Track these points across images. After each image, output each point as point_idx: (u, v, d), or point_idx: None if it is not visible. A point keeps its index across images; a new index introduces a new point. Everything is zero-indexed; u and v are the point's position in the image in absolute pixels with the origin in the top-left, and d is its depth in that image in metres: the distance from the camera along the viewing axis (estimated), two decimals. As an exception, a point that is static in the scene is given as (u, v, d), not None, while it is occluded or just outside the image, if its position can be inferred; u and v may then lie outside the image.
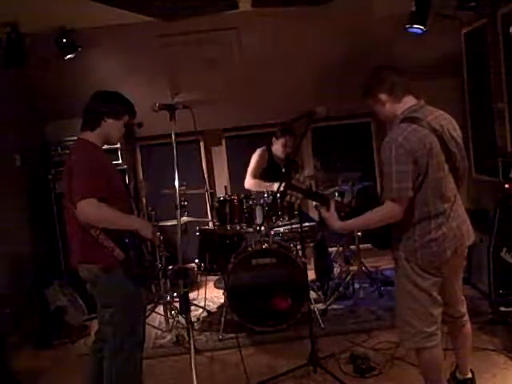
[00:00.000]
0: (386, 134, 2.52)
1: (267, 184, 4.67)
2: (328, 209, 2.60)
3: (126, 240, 2.65)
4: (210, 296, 4.94)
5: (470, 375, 2.85)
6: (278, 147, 4.88)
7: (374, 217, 2.47)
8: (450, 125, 2.54)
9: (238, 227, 4.31)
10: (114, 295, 2.70)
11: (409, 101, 2.55)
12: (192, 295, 4.97)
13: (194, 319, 4.40)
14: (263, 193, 4.36)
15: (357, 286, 4.75)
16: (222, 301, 4.67)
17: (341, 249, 5.26)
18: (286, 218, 4.27)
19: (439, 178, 2.44)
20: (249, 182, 4.89)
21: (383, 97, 2.55)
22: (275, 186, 4.57)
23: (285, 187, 2.73)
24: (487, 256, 3.92)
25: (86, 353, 3.34)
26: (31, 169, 5.01)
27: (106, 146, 2.87)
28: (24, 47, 4.35)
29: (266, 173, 4.91)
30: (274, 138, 4.92)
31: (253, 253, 4.12)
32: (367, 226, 2.56)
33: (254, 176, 4.91)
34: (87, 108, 2.80)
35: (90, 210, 2.53)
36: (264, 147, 4.99)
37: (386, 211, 2.43)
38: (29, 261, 4.79)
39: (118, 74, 4.90)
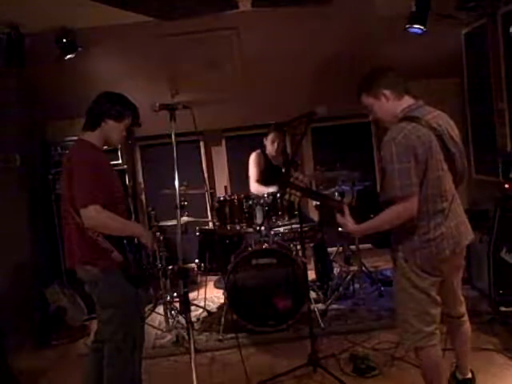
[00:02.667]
0: (385, 134, 2.51)
1: (269, 189, 4.69)
2: (342, 214, 2.57)
3: (125, 242, 2.65)
4: (210, 296, 4.94)
5: (469, 375, 2.85)
6: (268, 146, 4.92)
7: (388, 217, 2.43)
8: (449, 124, 2.55)
9: (237, 227, 4.31)
10: (113, 296, 2.70)
11: (407, 100, 2.56)
12: (192, 295, 4.97)
13: (194, 319, 4.40)
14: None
15: (357, 286, 4.75)
16: (222, 301, 4.68)
17: (341, 249, 5.26)
18: (286, 218, 4.27)
19: (438, 177, 2.44)
20: (253, 188, 4.91)
21: (388, 93, 2.53)
22: (273, 189, 4.61)
23: (284, 185, 2.72)
24: (487, 256, 3.92)
25: (86, 353, 3.34)
26: (31, 169, 5.01)
27: (105, 147, 2.87)
28: (24, 47, 4.35)
29: (265, 175, 4.94)
30: (264, 139, 4.96)
31: (253, 253, 4.12)
32: (382, 227, 2.49)
33: (257, 180, 4.93)
34: (90, 108, 2.79)
35: (94, 216, 2.54)
36: (258, 150, 5.02)
37: (398, 210, 2.40)
38: (29, 261, 4.79)
39: (118, 73, 4.91)
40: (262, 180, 4.91)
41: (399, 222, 2.44)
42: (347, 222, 2.56)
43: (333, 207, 2.65)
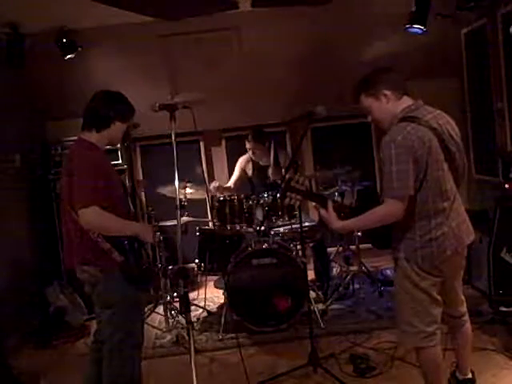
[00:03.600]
0: (384, 134, 2.51)
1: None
2: (326, 209, 2.59)
3: (125, 242, 2.65)
4: (210, 296, 4.93)
5: (470, 375, 2.85)
6: (249, 153, 4.99)
7: (374, 216, 2.45)
8: (449, 124, 2.55)
9: (237, 227, 4.31)
10: (113, 296, 2.70)
11: (407, 100, 2.56)
12: (192, 295, 4.96)
13: (194, 319, 4.39)
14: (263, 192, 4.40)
15: (357, 285, 4.75)
16: (222, 301, 4.68)
17: (341, 249, 5.26)
18: (286, 218, 4.28)
19: (438, 177, 2.44)
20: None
21: (388, 93, 2.53)
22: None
23: (284, 189, 2.71)
24: (487, 256, 3.92)
25: (86, 353, 3.34)
26: (31, 169, 5.01)
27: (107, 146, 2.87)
28: (24, 47, 4.35)
29: (256, 179, 4.99)
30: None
31: (253, 253, 4.12)
32: (367, 225, 2.53)
33: (234, 182, 5.08)
34: (93, 108, 2.76)
35: (92, 218, 2.53)
36: (248, 154, 5.07)
37: (386, 210, 2.41)
38: (29, 261, 4.79)
39: (117, 73, 4.90)
40: (249, 183, 5.06)
41: (385, 223, 2.44)
42: (330, 218, 2.56)
43: (318, 204, 2.64)
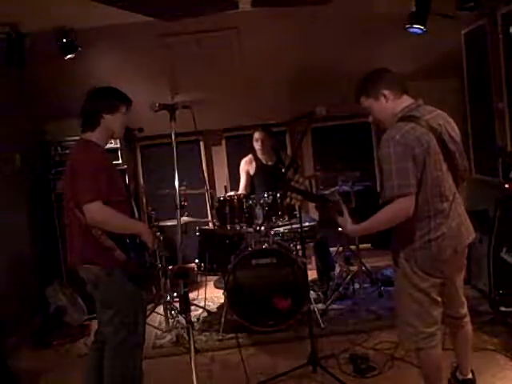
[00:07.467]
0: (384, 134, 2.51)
1: None
2: (342, 214, 2.57)
3: (127, 241, 2.65)
4: (210, 296, 4.93)
5: (470, 375, 2.86)
6: (254, 145, 4.97)
7: (385, 216, 2.43)
8: (449, 124, 2.55)
9: (237, 227, 4.31)
10: (115, 296, 2.71)
11: (407, 99, 2.56)
12: (192, 295, 4.97)
13: (194, 319, 4.39)
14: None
15: (357, 285, 4.75)
16: (222, 301, 4.67)
17: (341, 249, 5.26)
18: (286, 218, 4.28)
19: (437, 177, 2.44)
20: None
21: (387, 93, 2.54)
22: None
23: (284, 189, 2.72)
24: (487, 256, 3.92)
25: (86, 353, 3.35)
26: (31, 169, 5.01)
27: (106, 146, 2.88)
28: (24, 47, 4.35)
29: (258, 178, 4.97)
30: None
31: (253, 253, 4.12)
32: (380, 227, 2.49)
33: (244, 188, 5.03)
34: (83, 108, 2.80)
35: (97, 213, 2.54)
36: (250, 155, 5.07)
37: (394, 209, 2.39)
38: (29, 261, 4.79)
39: (118, 74, 4.89)
40: (254, 184, 5.01)
41: (396, 222, 2.43)
42: (345, 223, 2.56)
43: (332, 209, 2.64)
